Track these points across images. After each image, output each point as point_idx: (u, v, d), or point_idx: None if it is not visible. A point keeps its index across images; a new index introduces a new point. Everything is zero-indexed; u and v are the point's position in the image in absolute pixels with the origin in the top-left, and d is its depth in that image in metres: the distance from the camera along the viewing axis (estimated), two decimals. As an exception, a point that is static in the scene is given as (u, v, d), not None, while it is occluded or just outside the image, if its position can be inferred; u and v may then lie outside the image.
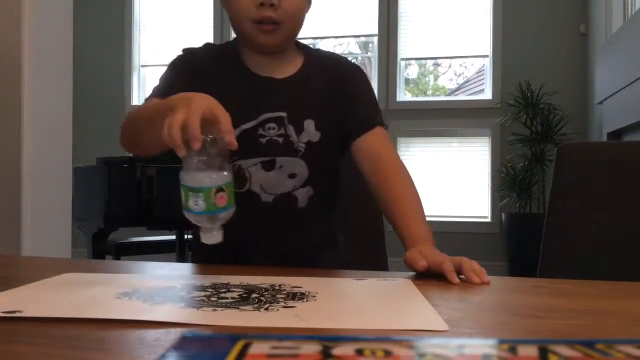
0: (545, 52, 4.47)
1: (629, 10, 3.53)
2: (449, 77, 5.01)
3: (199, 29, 5.06)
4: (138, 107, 0.99)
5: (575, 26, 4.44)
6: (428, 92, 4.96)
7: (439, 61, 4.95)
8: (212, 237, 0.77)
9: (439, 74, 5.03)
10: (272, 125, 1.04)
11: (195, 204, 0.74)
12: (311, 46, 1.18)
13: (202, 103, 0.76)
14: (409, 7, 4.74)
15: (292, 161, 1.05)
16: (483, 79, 4.75)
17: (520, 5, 4.54)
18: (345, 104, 1.09)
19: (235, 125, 0.98)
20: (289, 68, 1.09)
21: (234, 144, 0.75)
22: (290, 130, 1.05)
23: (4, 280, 0.72)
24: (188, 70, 1.07)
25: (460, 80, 4.97)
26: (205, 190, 0.74)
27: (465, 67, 4.94)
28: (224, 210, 0.76)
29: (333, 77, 1.10)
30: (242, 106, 1.02)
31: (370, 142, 1.06)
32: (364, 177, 1.06)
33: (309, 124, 1.06)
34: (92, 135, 4.94)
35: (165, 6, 5.22)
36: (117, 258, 3.11)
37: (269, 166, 1.04)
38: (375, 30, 4.78)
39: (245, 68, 1.08)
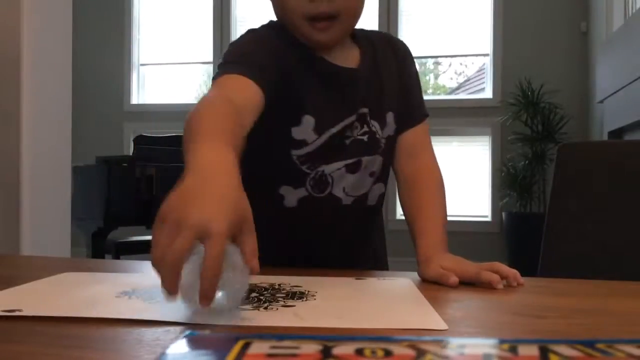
0: (546, 51, 4.47)
1: (630, 9, 3.53)
2: (450, 75, 5.01)
3: (199, 28, 5.05)
4: (199, 104, 0.75)
5: (576, 25, 4.43)
6: (428, 91, 4.95)
7: (440, 60, 4.95)
8: (193, 306, 0.56)
9: (440, 72, 5.03)
10: (356, 124, 0.94)
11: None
12: None
13: (224, 226, 0.51)
14: (409, 5, 4.74)
15: (374, 159, 0.97)
16: (484, 77, 4.75)
17: (520, 3, 4.53)
18: (408, 89, 1.02)
19: (322, 130, 0.91)
20: (349, 52, 0.98)
21: (257, 270, 0.54)
22: (375, 126, 0.96)
23: (3, 280, 0.72)
24: (269, 50, 0.90)
25: (461, 79, 4.97)
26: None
27: (466, 65, 4.93)
28: None
29: (395, 59, 1.01)
30: (326, 107, 0.92)
31: (415, 135, 1.03)
32: (395, 166, 1.01)
33: (390, 117, 0.98)
34: (91, 134, 4.94)
35: (165, 5, 5.22)
36: (117, 257, 3.11)
37: (354, 168, 0.94)
38: (375, 29, 4.77)
39: (314, 56, 0.93)
